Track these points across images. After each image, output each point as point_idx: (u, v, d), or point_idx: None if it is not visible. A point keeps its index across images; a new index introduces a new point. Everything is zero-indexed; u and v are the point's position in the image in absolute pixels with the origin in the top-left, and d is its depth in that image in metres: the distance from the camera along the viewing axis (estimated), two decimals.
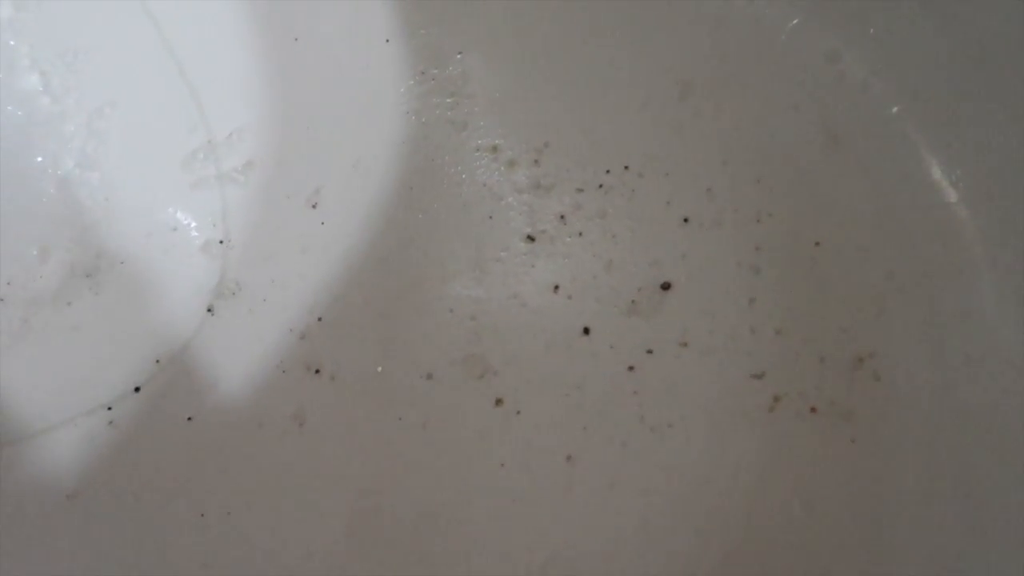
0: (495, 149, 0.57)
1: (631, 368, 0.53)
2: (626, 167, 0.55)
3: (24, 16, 0.57)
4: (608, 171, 0.55)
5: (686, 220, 0.54)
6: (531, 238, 0.56)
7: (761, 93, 0.54)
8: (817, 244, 0.52)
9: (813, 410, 0.50)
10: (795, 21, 0.53)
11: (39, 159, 0.58)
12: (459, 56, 0.57)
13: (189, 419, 0.56)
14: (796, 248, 0.52)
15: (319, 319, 0.56)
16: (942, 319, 0.49)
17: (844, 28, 0.52)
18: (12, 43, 0.57)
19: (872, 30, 0.50)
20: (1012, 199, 0.47)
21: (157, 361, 0.57)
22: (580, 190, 0.55)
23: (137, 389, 0.57)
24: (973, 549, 0.45)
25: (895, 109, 0.50)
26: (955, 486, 0.47)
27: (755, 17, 0.53)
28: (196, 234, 0.59)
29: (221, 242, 0.58)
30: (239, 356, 0.57)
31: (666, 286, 0.54)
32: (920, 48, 0.49)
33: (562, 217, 0.56)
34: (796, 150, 0.53)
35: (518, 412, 0.54)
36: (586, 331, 0.55)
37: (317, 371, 0.56)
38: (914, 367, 0.49)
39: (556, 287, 0.55)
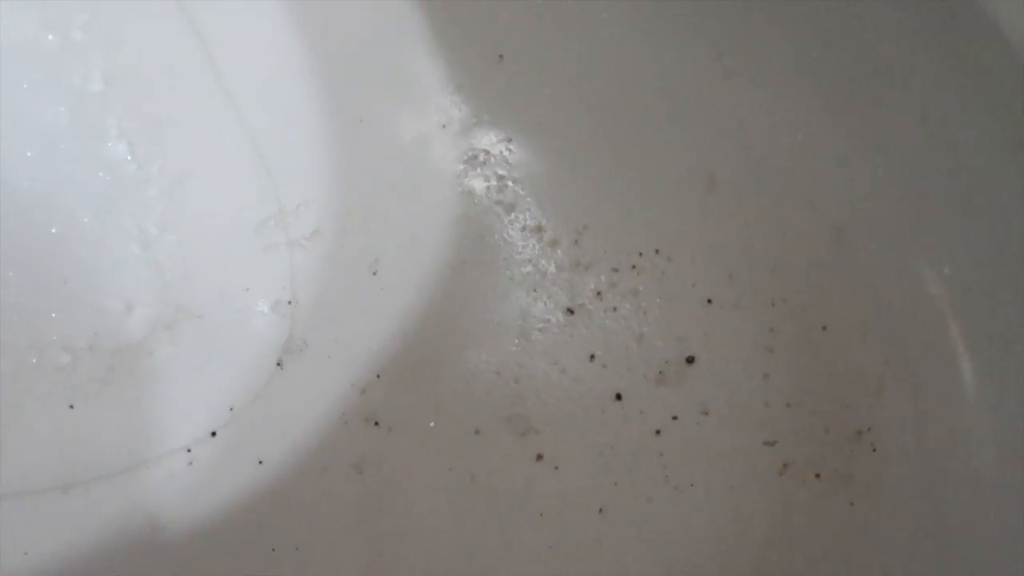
0: (539, 229, 0.63)
1: (658, 432, 0.59)
2: (657, 251, 0.61)
3: (113, 90, 0.60)
4: (641, 254, 0.61)
5: (709, 301, 0.60)
6: (570, 311, 0.62)
7: (778, 190, 0.59)
8: (824, 328, 0.58)
9: (817, 475, 0.57)
10: (810, 128, 0.59)
11: (125, 221, 0.61)
12: (509, 143, 0.63)
13: (260, 462, 0.61)
14: (806, 331, 0.59)
15: (378, 376, 0.62)
16: (930, 400, 0.55)
17: (853, 138, 0.58)
18: (102, 114, 0.60)
19: (878, 142, 0.57)
20: (990, 295, 0.53)
21: (231, 409, 0.61)
22: (615, 270, 0.62)
23: (213, 434, 0.61)
24: None
25: (895, 211, 0.57)
26: (940, 546, 0.53)
27: (773, 122, 0.60)
28: (267, 294, 0.62)
29: (289, 303, 0.62)
30: (305, 407, 0.62)
31: (690, 359, 0.60)
32: (919, 161, 0.56)
33: (599, 293, 0.62)
34: (807, 242, 0.59)
35: (556, 467, 0.60)
36: (618, 397, 0.60)
37: (376, 423, 0.61)
38: (906, 440, 0.55)
39: (592, 356, 0.61)
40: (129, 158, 0.62)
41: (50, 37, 0.60)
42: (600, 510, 0.59)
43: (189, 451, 0.62)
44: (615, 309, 0.62)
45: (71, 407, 0.61)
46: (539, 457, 0.61)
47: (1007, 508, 0.51)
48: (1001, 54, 0.48)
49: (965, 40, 0.50)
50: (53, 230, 0.61)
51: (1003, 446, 0.51)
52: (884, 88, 0.56)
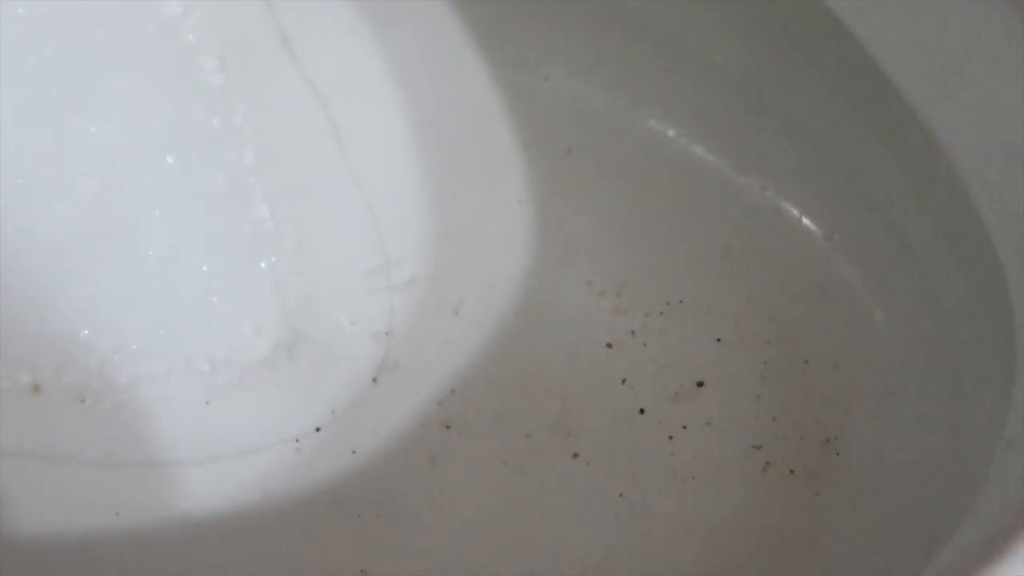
0: (590, 283, 0.77)
1: (671, 437, 0.72)
2: (681, 301, 0.75)
3: (261, 164, 0.72)
4: (668, 303, 0.75)
5: (719, 340, 0.74)
6: (609, 345, 0.75)
7: (778, 259, 0.74)
8: (806, 362, 0.72)
9: (792, 472, 0.68)
10: (806, 212, 0.75)
11: (263, 265, 0.73)
12: (571, 217, 0.79)
13: (354, 452, 0.72)
14: (792, 364, 0.72)
15: (452, 391, 0.73)
16: (884, 419, 0.69)
17: (837, 221, 0.73)
18: (251, 182, 0.74)
19: (850, 225, 0.73)
20: (931, 346, 0.68)
21: (333, 411, 0.71)
22: (647, 315, 0.76)
23: (318, 429, 0.71)
24: (890, 563, 0.65)
25: (866, 276, 0.73)
26: (889, 530, 0.65)
27: (777, 207, 0.76)
28: (369, 327, 0.74)
29: (386, 333, 0.73)
30: (393, 413, 0.72)
31: (700, 384, 0.73)
32: (882, 243, 0.71)
33: (633, 333, 0.76)
34: (798, 298, 0.73)
35: (588, 463, 0.71)
36: (642, 411, 0.73)
37: (448, 427, 0.73)
38: (862, 448, 0.68)
39: (624, 380, 0.74)
40: (269, 217, 0.74)
41: (215, 121, 0.75)
42: (620, 494, 0.69)
43: (297, 441, 0.72)
44: (645, 345, 0.75)
45: (207, 403, 0.74)
46: (575, 455, 0.72)
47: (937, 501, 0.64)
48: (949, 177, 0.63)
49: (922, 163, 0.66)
50: (205, 268, 0.75)
51: (931, 453, 0.65)
52: (855, 191, 0.73)
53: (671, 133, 0.78)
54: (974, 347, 0.64)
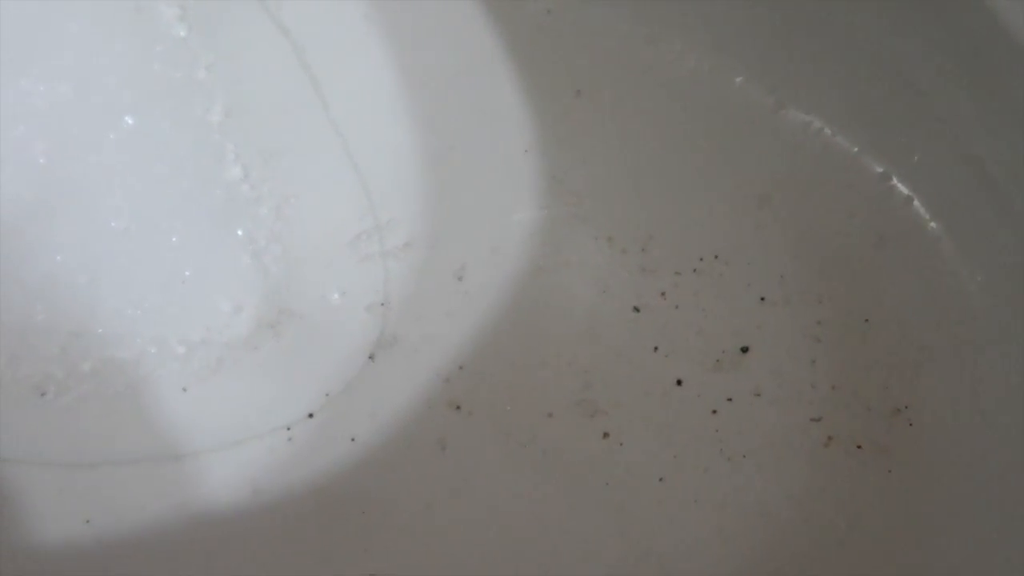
0: (611, 239, 0.69)
1: (714, 412, 0.65)
2: (716, 256, 0.68)
3: (232, 120, 0.67)
4: (701, 259, 0.68)
5: (762, 299, 0.67)
6: (637, 309, 0.68)
7: (825, 203, 0.66)
8: (866, 320, 0.64)
9: (859, 447, 0.62)
10: (856, 149, 0.66)
11: (239, 233, 0.67)
12: (585, 164, 0.70)
13: (352, 439, 0.66)
14: (849, 323, 0.65)
15: (460, 367, 0.68)
16: (961, 382, 0.61)
17: (894, 156, 0.65)
18: (222, 141, 0.67)
19: (916, 159, 0.64)
20: (1015, 295, 0.60)
21: (327, 394, 0.67)
22: (678, 273, 0.68)
23: (311, 415, 0.66)
24: (983, 556, 0.57)
25: (931, 221, 0.64)
26: (969, 507, 0.58)
27: (824, 145, 0.67)
28: (362, 298, 0.68)
29: (382, 304, 0.69)
30: (394, 394, 0.67)
31: (745, 349, 0.66)
32: (950, 179, 0.62)
33: (663, 294, 0.68)
34: (851, 248, 0.65)
35: (621, 444, 0.65)
36: (679, 382, 0.66)
37: (458, 408, 0.67)
38: (939, 417, 0.61)
39: (656, 348, 0.67)
40: (243, 179, 0.68)
41: (177, 75, 0.67)
42: (661, 479, 0.64)
43: (288, 429, 0.67)
44: (677, 307, 0.68)
45: (184, 390, 0.67)
46: (605, 435, 0.66)
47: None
48: None
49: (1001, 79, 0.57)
50: (174, 239, 0.68)
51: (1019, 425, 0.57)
52: (923, 119, 0.63)
53: (693, 65, 0.69)
54: None
